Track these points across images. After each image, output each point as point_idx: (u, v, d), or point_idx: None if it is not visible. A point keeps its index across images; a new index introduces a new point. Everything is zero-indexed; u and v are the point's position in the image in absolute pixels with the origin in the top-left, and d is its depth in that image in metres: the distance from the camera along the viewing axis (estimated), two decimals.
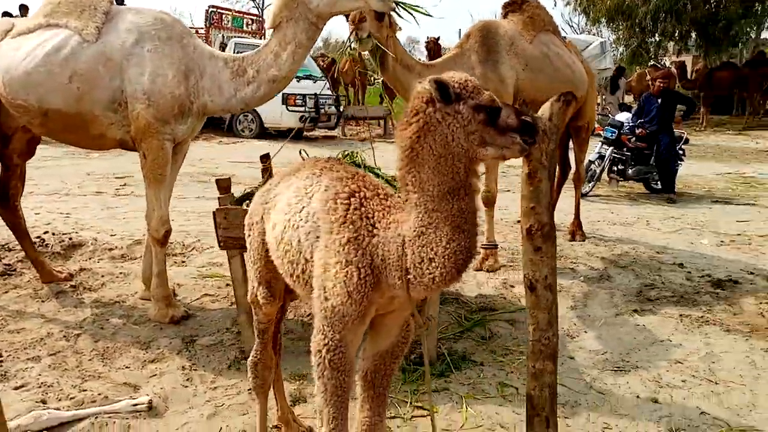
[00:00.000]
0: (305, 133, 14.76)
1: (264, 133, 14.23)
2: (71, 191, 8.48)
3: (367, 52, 4.52)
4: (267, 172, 4.64)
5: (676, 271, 5.70)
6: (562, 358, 3.94)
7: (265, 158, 4.76)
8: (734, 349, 4.14)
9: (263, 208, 2.39)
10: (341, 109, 15.13)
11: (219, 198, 3.59)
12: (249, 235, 2.48)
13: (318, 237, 2.00)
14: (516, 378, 3.68)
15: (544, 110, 1.90)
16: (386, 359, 2.23)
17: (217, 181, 3.62)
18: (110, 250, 5.57)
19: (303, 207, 2.10)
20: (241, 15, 17.00)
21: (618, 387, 3.64)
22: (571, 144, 6.75)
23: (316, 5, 3.67)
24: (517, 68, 5.37)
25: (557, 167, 6.39)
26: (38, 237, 5.64)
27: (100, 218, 6.78)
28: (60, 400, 3.26)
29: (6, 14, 11.21)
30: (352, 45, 4.44)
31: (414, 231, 1.80)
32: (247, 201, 3.74)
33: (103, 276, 4.96)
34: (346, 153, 4.13)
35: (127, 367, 3.62)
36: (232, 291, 4.76)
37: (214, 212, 3.58)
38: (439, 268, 1.78)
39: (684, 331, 4.42)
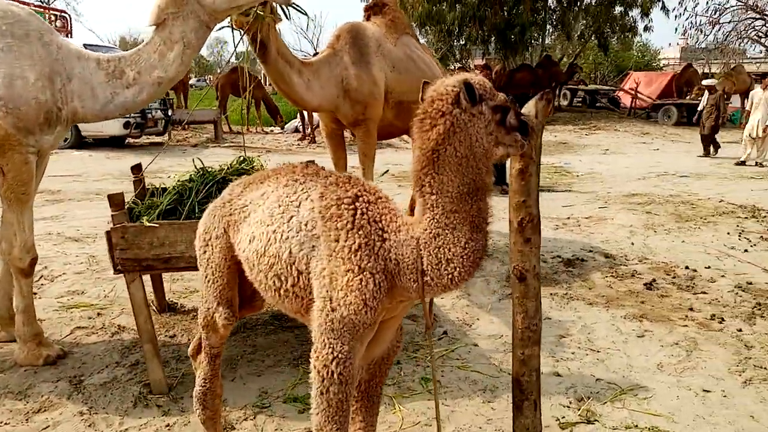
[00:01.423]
0: (131, 140, 13.61)
1: (82, 142, 12.83)
2: None
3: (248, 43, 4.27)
4: (140, 184, 4.25)
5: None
6: (468, 346, 4.19)
7: (137, 169, 4.35)
8: (600, 319, 4.70)
9: (227, 221, 2.19)
10: (170, 114, 14.19)
11: (113, 215, 3.19)
12: (205, 252, 2.25)
13: (314, 246, 1.89)
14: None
15: (530, 109, 1.99)
16: (381, 366, 2.19)
17: (110, 197, 3.21)
18: None
19: (291, 216, 1.96)
20: (43, 10, 15.00)
21: None
22: None
23: (212, 2, 3.41)
24: (386, 69, 5.50)
25: None
26: None
27: None
28: None
29: None
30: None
31: (430, 233, 1.79)
32: (142, 218, 3.38)
33: None
34: (243, 158, 3.92)
35: (6, 424, 3.07)
36: (107, 321, 4.31)
37: (108, 232, 3.17)
38: (457, 269, 1.79)
39: (557, 308, 4.91)
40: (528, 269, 2.10)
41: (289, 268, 1.95)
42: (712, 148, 14.81)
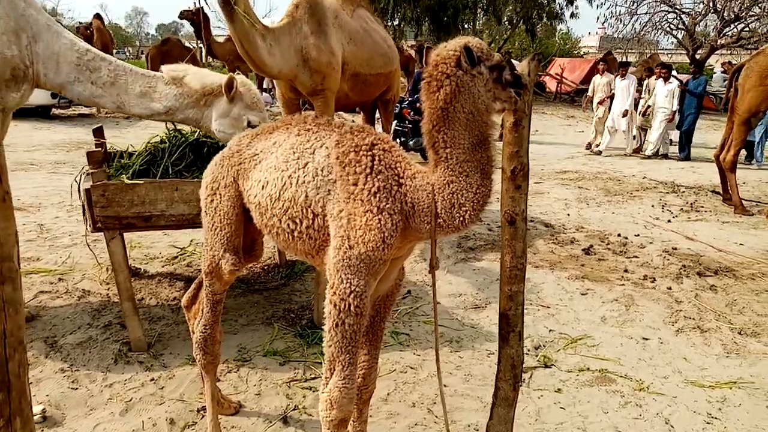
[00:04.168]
0: (57, 111, 12.94)
1: None
2: None
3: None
4: (102, 147, 4.19)
5: (478, 224, 6.61)
6: (431, 304, 4.42)
7: (99, 133, 4.30)
8: (547, 280, 5.07)
9: (236, 170, 2.27)
10: None
11: (92, 173, 3.18)
12: (213, 201, 2.33)
13: (329, 191, 2.02)
14: (402, 326, 4.02)
15: (523, 68, 2.19)
16: (385, 302, 2.35)
17: (89, 155, 3.20)
18: None
19: (306, 162, 2.07)
20: None
21: (482, 320, 4.23)
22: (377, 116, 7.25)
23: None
24: (343, 41, 5.60)
25: None
26: None
27: None
28: None
29: None
30: None
31: (445, 180, 1.96)
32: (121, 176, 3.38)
33: None
34: None
35: None
36: (70, 285, 4.25)
37: (88, 190, 3.16)
38: (468, 212, 1.98)
39: None
40: (518, 213, 2.31)
41: (304, 210, 2.08)
42: None
